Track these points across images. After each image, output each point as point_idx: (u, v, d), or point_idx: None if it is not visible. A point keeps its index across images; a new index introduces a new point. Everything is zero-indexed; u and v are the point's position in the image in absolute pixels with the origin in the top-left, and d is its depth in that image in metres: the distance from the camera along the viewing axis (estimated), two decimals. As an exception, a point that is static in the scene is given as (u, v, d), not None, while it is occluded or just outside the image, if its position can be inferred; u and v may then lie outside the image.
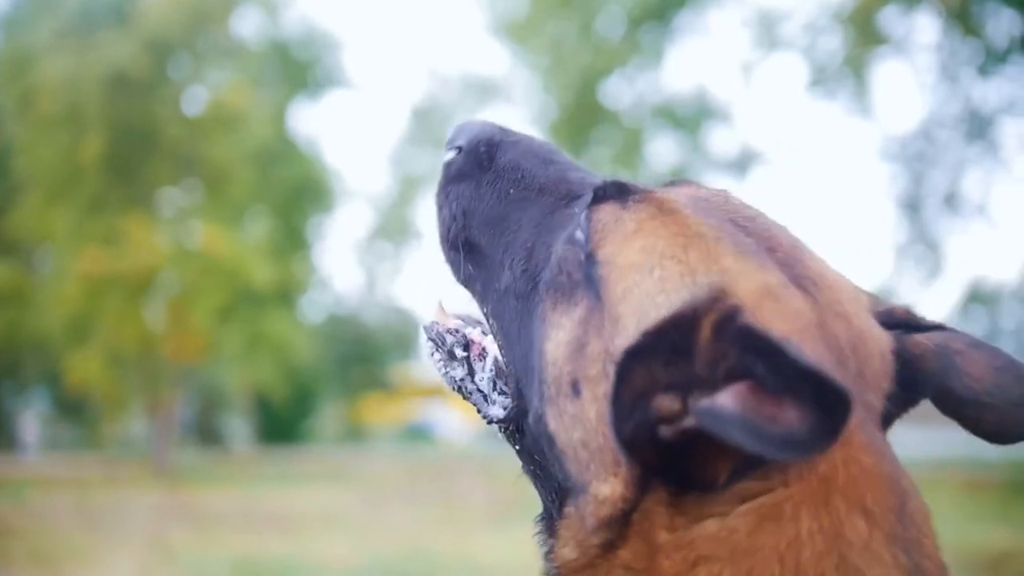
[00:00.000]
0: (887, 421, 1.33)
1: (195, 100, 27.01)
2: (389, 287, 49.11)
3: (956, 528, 11.64)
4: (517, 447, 1.44)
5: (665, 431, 1.15)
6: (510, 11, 25.91)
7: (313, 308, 41.64)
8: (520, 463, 1.44)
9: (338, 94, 45.17)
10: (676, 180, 1.50)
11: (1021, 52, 18.16)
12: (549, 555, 1.32)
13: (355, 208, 48.96)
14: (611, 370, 1.20)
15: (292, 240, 31.72)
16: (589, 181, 1.47)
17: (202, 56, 26.95)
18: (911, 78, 28.06)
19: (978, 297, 25.84)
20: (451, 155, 1.58)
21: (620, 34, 24.44)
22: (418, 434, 45.71)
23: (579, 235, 1.35)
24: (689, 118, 25.01)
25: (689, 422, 1.12)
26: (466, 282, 1.55)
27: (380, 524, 13.57)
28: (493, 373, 1.52)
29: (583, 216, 1.36)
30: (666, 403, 1.15)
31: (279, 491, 18.79)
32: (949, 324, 1.45)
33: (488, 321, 1.52)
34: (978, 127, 19.64)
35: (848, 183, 40.06)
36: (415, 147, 34.37)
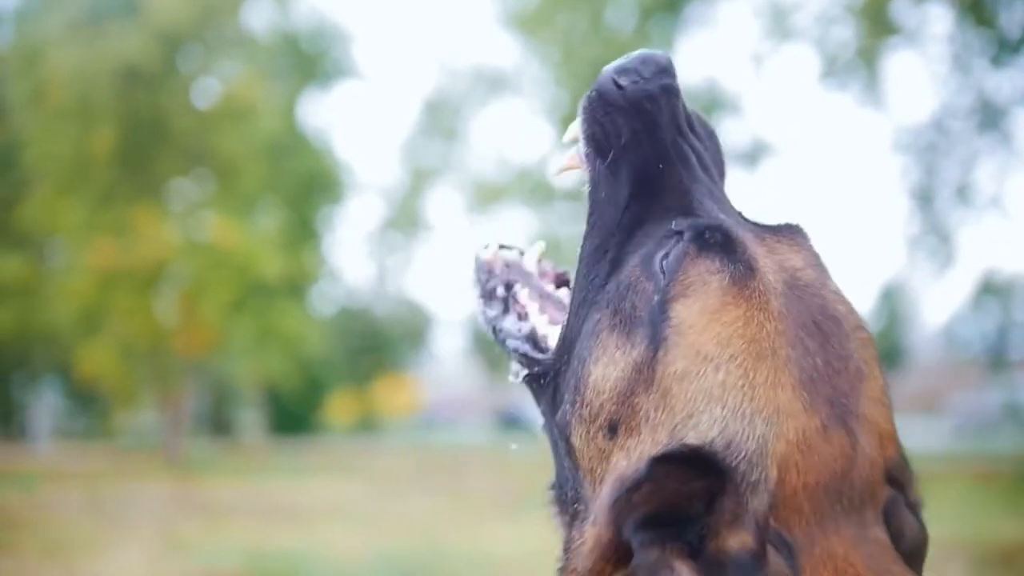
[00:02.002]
0: None
1: (205, 92, 27.04)
2: (400, 279, 49.17)
3: (968, 520, 11.59)
4: (539, 405, 1.43)
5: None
6: (520, 3, 25.83)
7: (324, 300, 41.70)
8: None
9: (348, 86, 45.16)
10: (784, 227, 1.38)
11: (1034, 42, 18.02)
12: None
13: (366, 200, 49.05)
14: (647, 454, 1.19)
15: (302, 232, 31.74)
16: (707, 209, 1.35)
17: (212, 48, 26.96)
18: (923, 69, 27.84)
19: (991, 289, 25.69)
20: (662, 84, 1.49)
21: (631, 26, 24.35)
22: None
23: (660, 272, 1.27)
24: (700, 110, 24.89)
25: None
26: (591, 196, 1.42)
27: (390, 516, 13.59)
28: (525, 335, 1.48)
29: (673, 255, 1.27)
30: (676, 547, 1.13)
31: (290, 483, 18.83)
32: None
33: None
34: (991, 118, 19.51)
35: (860, 175, 39.84)
36: (426, 139, 34.33)
